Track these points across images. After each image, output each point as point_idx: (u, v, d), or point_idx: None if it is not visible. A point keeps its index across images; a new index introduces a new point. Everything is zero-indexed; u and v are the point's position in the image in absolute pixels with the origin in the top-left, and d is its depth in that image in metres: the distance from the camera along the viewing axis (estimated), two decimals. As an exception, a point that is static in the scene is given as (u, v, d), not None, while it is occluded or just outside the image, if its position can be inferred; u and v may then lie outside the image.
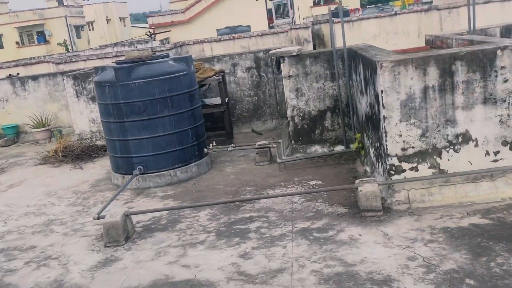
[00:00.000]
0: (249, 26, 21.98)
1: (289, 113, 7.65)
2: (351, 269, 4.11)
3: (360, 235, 4.72)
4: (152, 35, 25.87)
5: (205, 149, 7.63)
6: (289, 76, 7.44)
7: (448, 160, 5.19)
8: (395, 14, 16.68)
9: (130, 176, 6.96)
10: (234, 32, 19.51)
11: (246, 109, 10.14)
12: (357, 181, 5.41)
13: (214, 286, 4.15)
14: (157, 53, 7.91)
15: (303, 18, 26.24)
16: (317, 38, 19.33)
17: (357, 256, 4.33)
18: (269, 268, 4.32)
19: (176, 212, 5.93)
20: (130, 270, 4.65)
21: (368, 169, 6.35)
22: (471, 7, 6.80)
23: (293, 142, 7.74)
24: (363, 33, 17.47)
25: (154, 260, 4.78)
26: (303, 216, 5.36)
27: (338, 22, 12.31)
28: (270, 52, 7.74)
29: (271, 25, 27.12)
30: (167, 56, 7.42)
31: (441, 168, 5.21)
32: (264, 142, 7.76)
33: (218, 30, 21.31)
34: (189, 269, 4.50)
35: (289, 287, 3.98)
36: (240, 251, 4.72)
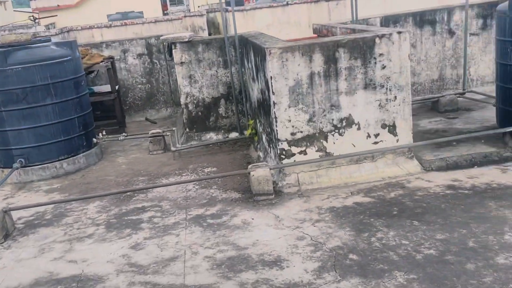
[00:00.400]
0: (141, 13, 21.25)
1: (182, 100, 7.55)
2: (243, 253, 4.17)
3: (253, 219, 4.80)
4: (36, 20, 24.06)
5: (95, 139, 7.29)
6: (182, 63, 7.32)
7: (334, 143, 5.44)
8: (287, 4, 17.07)
9: (9, 170, 6.44)
10: (126, 18, 18.75)
11: (139, 97, 9.84)
12: (249, 166, 5.48)
13: (103, 280, 3.98)
14: (39, 38, 7.36)
15: (198, 6, 25.99)
16: (212, 27, 19.26)
17: (250, 239, 4.40)
18: (162, 258, 4.24)
19: (62, 206, 5.60)
20: (10, 269, 4.31)
21: (261, 154, 6.48)
22: (354, -2, 7.16)
23: (187, 129, 7.66)
24: (257, 22, 17.68)
25: (37, 258, 4.47)
26: (197, 203, 5.33)
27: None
28: (162, 38, 7.56)
29: (165, 12, 26.53)
30: (49, 40, 6.93)
31: (328, 151, 5.45)
32: (158, 130, 7.60)
33: (108, 16, 20.32)
34: (76, 264, 4.27)
35: (182, 275, 3.93)
36: (131, 242, 4.58)
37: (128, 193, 5.76)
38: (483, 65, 8.33)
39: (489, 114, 6.80)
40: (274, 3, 18.24)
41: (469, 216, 4.30)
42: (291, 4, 17.59)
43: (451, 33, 8.18)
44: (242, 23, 14.63)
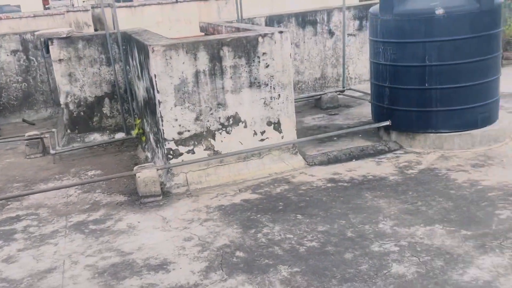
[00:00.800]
0: (19, 6, 19.72)
1: (62, 100, 7.10)
2: (128, 258, 4.00)
3: (139, 222, 4.64)
4: None
5: (-39, 144, 6.60)
6: (60, 60, 6.88)
7: (222, 141, 5.45)
8: (177, 2, 16.83)
9: None
10: (1, 12, 17.28)
11: (14, 97, 9.09)
12: (135, 167, 5.30)
13: (-32, 300, 3.60)
14: None
15: (83, 1, 24.70)
16: (98, 23, 18.39)
17: (135, 243, 4.24)
18: (37, 270, 3.93)
19: None
20: None
21: (149, 155, 6.30)
22: (239, -3, 7.23)
23: (69, 131, 7.22)
24: (146, 19, 17.19)
25: None
26: (78, 209, 5.04)
27: (120, 6, 11.88)
28: (37, 33, 7.03)
29: (46, 6, 24.84)
30: None
31: (216, 149, 5.44)
32: (36, 132, 7.07)
33: (-20, 9, 18.57)
34: None
35: (60, 286, 3.68)
36: (2, 256, 4.20)
37: (0, 202, 5.28)
38: (360, 64, 8.88)
39: (366, 110, 7.25)
40: (163, 0, 17.88)
41: (347, 207, 4.54)
42: (181, 2, 17.38)
43: (331, 33, 8.60)
44: (131, 20, 14.14)
